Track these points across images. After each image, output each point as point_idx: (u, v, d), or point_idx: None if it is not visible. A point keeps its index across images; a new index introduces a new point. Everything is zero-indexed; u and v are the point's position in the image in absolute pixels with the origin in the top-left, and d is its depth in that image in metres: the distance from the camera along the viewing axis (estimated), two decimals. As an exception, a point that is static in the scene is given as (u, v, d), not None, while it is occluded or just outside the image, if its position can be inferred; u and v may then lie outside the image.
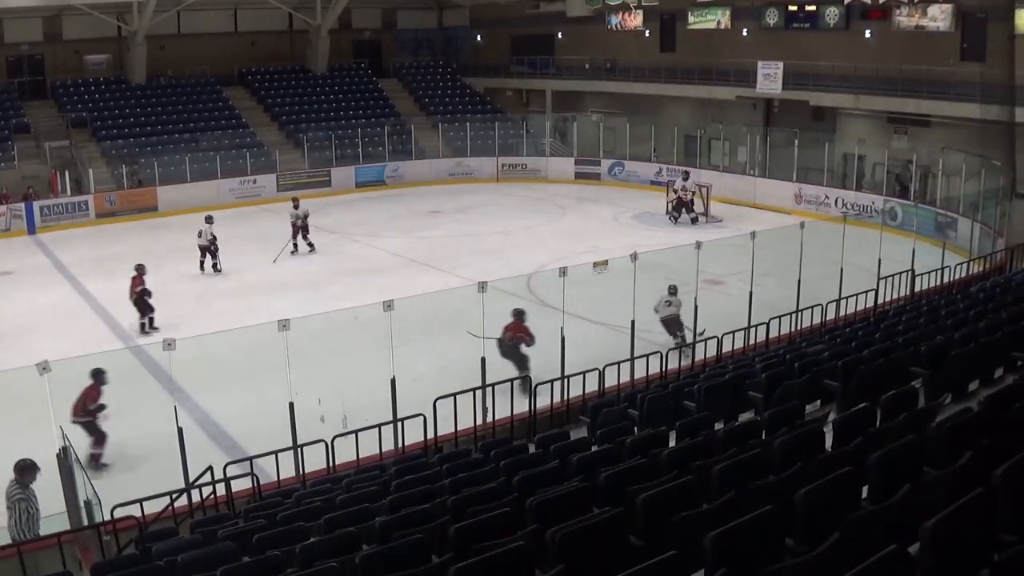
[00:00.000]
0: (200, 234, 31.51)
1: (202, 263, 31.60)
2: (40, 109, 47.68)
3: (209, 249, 31.53)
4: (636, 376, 16.81)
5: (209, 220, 31.83)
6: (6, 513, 12.06)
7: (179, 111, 49.52)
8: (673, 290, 21.09)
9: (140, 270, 25.50)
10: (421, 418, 14.18)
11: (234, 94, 52.22)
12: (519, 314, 19.30)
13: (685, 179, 37.98)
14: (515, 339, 18.92)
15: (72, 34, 50.29)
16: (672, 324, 21.03)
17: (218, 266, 31.52)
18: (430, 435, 14.30)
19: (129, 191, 41.82)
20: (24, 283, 31.24)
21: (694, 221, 36.76)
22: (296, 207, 34.46)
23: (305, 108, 51.87)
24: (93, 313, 27.02)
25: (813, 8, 40.66)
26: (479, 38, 60.35)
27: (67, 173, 41.72)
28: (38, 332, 24.67)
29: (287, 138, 49.69)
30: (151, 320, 25.11)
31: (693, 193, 37.39)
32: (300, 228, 34.07)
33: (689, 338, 20.22)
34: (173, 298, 27.62)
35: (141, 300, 25.21)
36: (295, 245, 34.04)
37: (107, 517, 11.68)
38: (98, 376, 16.73)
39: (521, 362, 18.75)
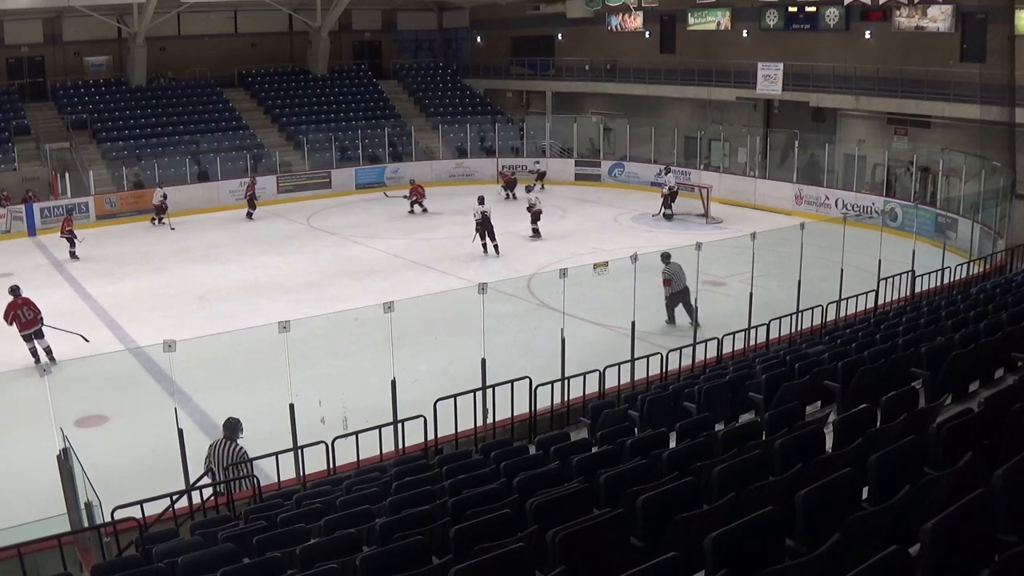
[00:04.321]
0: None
1: (154, 219, 39.85)
2: (40, 111, 47.78)
3: (161, 208, 39.41)
4: (636, 377, 16.80)
5: (160, 184, 40.47)
6: (234, 467, 13.14)
7: (179, 113, 49.58)
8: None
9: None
10: (421, 419, 14.16)
11: (234, 96, 52.28)
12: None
13: (667, 173, 38.40)
14: None
15: (72, 36, 50.48)
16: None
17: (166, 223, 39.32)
18: (430, 436, 14.28)
19: (129, 193, 41.83)
20: (24, 285, 30.88)
21: (668, 217, 37.00)
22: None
23: (305, 110, 51.87)
24: (93, 315, 27.01)
25: (813, 9, 40.71)
26: (479, 39, 60.47)
27: (67, 175, 41.77)
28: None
29: (287, 140, 49.74)
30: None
31: (674, 189, 37.71)
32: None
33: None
34: (174, 299, 27.70)
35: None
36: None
37: (107, 519, 11.69)
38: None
39: None
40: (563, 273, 16.87)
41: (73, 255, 34.58)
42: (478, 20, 59.81)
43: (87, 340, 22.44)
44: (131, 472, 15.03)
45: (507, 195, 43.33)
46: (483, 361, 16.11)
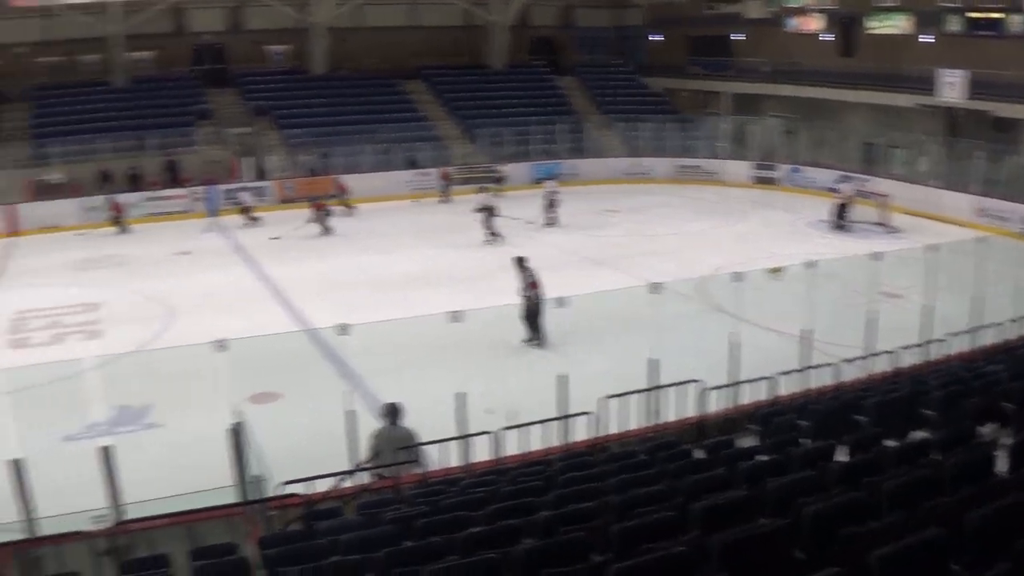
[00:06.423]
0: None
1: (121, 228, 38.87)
2: (222, 97, 49.53)
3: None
4: (808, 386, 16.60)
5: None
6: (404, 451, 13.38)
7: (358, 103, 50.48)
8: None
9: None
10: (589, 416, 14.23)
11: (412, 88, 53.13)
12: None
13: (844, 181, 37.62)
14: None
15: (254, 25, 52.26)
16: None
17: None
18: (598, 434, 14.34)
19: (308, 179, 43.01)
20: (202, 263, 32.43)
21: (844, 228, 36.23)
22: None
23: (482, 104, 52.32)
24: (269, 295, 27.85)
25: (998, 15, 39.51)
26: (656, 38, 60.16)
27: (250, 159, 43.23)
28: (214, 311, 25.65)
29: (463, 133, 50.30)
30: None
31: (851, 199, 36.97)
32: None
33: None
34: (348, 284, 28.34)
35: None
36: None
37: (275, 493, 12.08)
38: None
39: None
40: (737, 276, 16.78)
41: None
42: (656, 18, 59.55)
43: None
44: (300, 450, 15.43)
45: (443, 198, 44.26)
46: (654, 361, 16.10)
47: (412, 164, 46.12)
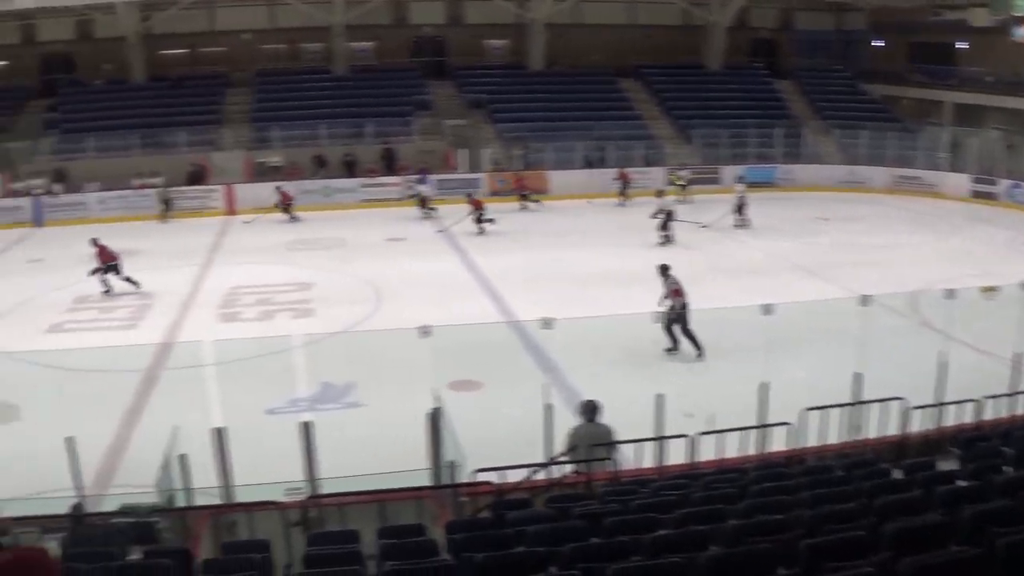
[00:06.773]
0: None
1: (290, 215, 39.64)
2: (440, 88, 50.75)
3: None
4: (1015, 412, 16.05)
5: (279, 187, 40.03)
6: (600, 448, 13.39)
7: (574, 100, 50.69)
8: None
9: None
10: (788, 427, 14.05)
11: (628, 86, 53.21)
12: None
13: None
14: None
15: (473, 19, 53.57)
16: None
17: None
18: (796, 445, 14.16)
19: (520, 173, 43.52)
20: (414, 250, 33.26)
21: None
22: None
23: (698, 104, 51.89)
24: (477, 285, 28.27)
25: None
26: (878, 43, 58.77)
27: (465, 151, 44.05)
28: (421, 297, 26.38)
29: (678, 133, 50.09)
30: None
31: None
32: None
33: None
34: (551, 278, 28.62)
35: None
36: None
37: (468, 480, 12.27)
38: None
39: None
40: (950, 294, 16.36)
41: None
42: (877, 23, 58.03)
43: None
44: (495, 439, 15.55)
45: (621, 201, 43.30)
46: (858, 375, 15.81)
47: (589, 164, 46.49)
